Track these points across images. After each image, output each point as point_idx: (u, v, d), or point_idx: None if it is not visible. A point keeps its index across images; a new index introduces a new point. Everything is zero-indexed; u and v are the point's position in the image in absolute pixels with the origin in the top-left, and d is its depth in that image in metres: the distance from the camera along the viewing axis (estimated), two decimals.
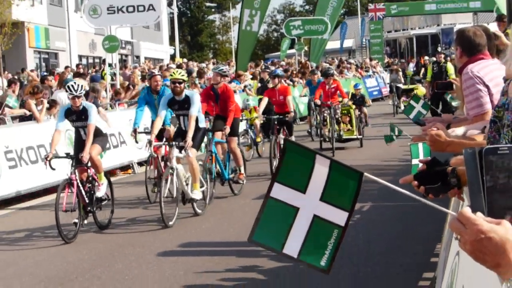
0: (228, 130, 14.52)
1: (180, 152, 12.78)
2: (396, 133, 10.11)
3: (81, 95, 12.23)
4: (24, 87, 20.42)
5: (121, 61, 46.23)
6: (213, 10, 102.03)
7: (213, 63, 44.90)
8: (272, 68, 34.00)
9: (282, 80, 21.03)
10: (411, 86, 35.93)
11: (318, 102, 22.11)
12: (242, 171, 15.40)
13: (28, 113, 18.40)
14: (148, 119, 16.84)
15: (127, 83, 27.33)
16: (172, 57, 57.35)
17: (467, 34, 6.91)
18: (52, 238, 12.09)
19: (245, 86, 29.17)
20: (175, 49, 61.37)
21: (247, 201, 14.70)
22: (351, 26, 69.47)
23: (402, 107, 29.91)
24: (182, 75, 13.22)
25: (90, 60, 48.02)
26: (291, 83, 33.43)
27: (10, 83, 22.44)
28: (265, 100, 18.13)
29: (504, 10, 21.29)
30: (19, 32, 35.44)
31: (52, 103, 18.95)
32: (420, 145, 8.15)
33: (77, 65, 37.53)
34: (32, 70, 34.76)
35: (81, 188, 11.99)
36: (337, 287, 9.24)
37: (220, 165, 14.91)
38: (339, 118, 21.92)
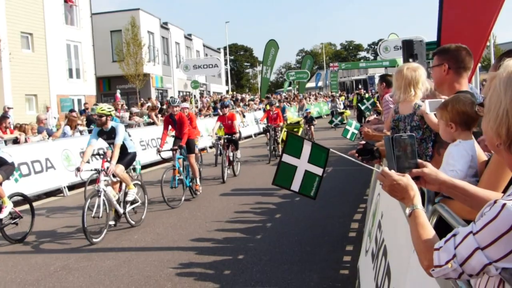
0: (183, 147, 10.45)
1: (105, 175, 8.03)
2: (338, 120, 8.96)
3: None
4: (149, 108, 20.62)
5: (200, 94, 46.17)
6: (248, 66, 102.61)
7: (248, 95, 44.76)
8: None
9: (234, 108, 17.41)
10: (342, 110, 32.42)
11: (261, 123, 18.49)
12: (198, 182, 10.97)
13: (151, 120, 18.60)
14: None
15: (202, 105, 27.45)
16: (227, 92, 57.53)
17: (388, 78, 7.14)
18: None
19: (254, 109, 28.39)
20: (228, 87, 61.73)
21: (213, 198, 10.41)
22: (321, 74, 69.15)
23: (337, 121, 22.91)
24: (103, 110, 8.36)
25: (184, 93, 47.85)
26: (290, 105, 33.05)
27: (142, 105, 22.74)
28: (217, 124, 13.59)
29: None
30: (147, 78, 35.88)
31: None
32: (354, 122, 8.01)
33: (178, 96, 37.69)
34: (154, 99, 34.89)
35: None
36: (313, 224, 9.03)
37: (182, 175, 10.45)
38: (277, 139, 16.30)
